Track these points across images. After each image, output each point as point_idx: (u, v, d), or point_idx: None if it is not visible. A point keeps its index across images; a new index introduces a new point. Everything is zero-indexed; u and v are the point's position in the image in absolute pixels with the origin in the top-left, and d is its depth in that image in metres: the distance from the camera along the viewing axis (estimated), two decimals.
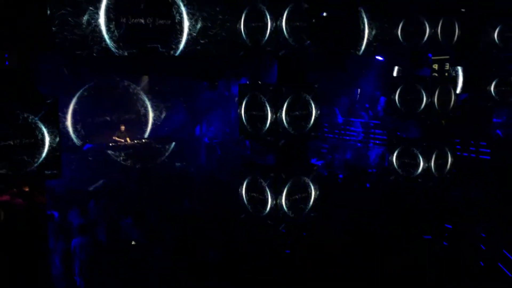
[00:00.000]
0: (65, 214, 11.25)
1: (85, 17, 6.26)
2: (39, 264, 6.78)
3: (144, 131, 15.70)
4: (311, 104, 8.70)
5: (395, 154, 10.65)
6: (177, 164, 15.78)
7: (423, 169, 10.27)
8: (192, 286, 8.46)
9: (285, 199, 8.51)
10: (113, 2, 6.39)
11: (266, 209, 8.57)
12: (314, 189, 8.95)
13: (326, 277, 8.59)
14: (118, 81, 14.87)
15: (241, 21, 7.71)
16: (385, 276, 8.25)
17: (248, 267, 8.82)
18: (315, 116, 8.75)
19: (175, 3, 6.96)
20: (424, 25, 9.92)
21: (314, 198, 8.95)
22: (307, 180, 8.86)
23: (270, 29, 7.89)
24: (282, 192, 8.47)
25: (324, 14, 8.65)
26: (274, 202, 8.46)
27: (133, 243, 9.73)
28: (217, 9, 7.43)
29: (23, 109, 6.06)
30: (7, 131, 5.96)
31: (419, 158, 10.27)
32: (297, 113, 8.50)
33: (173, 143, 15.91)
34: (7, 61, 6.32)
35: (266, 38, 7.89)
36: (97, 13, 6.36)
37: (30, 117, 6.11)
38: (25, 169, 6.16)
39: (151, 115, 15.86)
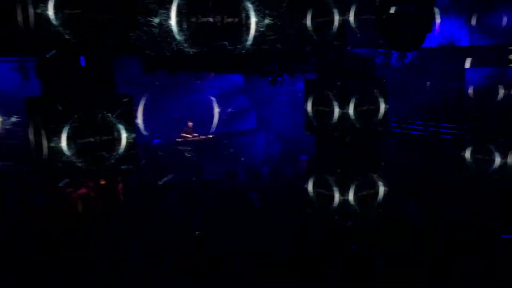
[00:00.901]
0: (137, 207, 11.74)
1: (157, 19, 6.49)
2: (114, 253, 7.15)
3: (210, 127, 16.02)
4: (379, 99, 8.53)
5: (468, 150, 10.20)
6: (242, 159, 16.00)
7: (499, 166, 9.78)
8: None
9: (353, 195, 8.43)
10: (184, 2, 6.56)
11: (334, 206, 8.53)
12: (381, 185, 8.79)
13: (395, 275, 8.40)
14: (187, 78, 15.25)
15: (308, 16, 7.68)
16: (463, 276, 7.94)
17: (315, 262, 8.80)
18: (383, 111, 8.58)
19: (243, 1, 7.04)
20: None
21: (382, 194, 8.80)
22: (374, 175, 8.72)
23: (338, 24, 7.80)
24: (350, 187, 8.40)
25: (393, 9, 8.43)
26: (342, 198, 8.41)
27: (197, 233, 9.94)
28: (284, 4, 7.43)
29: (102, 108, 6.41)
30: (87, 129, 6.34)
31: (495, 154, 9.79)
32: (364, 108, 8.37)
33: (238, 138, 16.16)
34: (83, 62, 6.71)
35: (333, 32, 7.81)
36: (168, 14, 6.57)
37: (108, 116, 6.45)
38: (103, 164, 6.52)
39: (216, 111, 16.17)
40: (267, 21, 7.27)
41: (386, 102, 8.52)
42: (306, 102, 8.81)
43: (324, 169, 8.70)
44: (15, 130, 12.40)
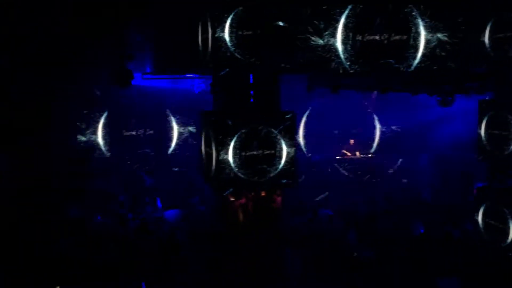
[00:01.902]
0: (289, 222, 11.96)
1: (322, 38, 6.59)
2: (273, 265, 7.35)
3: (371, 146, 15.68)
4: None
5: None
6: (404, 180, 15.27)
7: None
8: None
9: None
10: (351, 21, 6.56)
11: (507, 240, 7.62)
12: None
13: None
14: (348, 95, 15.20)
15: (485, 32, 7.06)
16: None
17: None
18: None
19: (413, 17, 6.77)
20: None
21: None
22: None
23: None
24: None
25: None
26: None
27: (355, 254, 9.74)
28: (459, 20, 6.95)
29: (266, 124, 6.72)
30: (252, 143, 6.70)
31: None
32: None
33: (400, 159, 15.49)
34: (251, 80, 7.11)
35: None
36: (334, 33, 6.62)
37: (271, 131, 6.73)
38: (265, 177, 6.81)
39: (378, 129, 15.77)
40: (438, 37, 6.88)
41: None
42: (480, 124, 8.07)
43: (498, 200, 7.84)
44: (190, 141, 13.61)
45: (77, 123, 12.40)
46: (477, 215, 8.18)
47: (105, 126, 12.80)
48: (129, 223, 10.70)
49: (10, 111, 8.68)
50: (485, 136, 8.00)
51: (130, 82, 8.94)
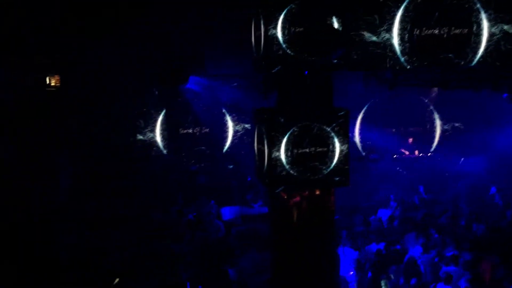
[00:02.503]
0: (348, 221, 11.78)
1: (378, 34, 6.42)
2: (327, 266, 7.26)
3: (431, 145, 15.16)
4: None
5: None
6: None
7: None
8: None
9: None
10: (409, 14, 6.35)
11: None
12: None
13: None
14: (406, 92, 14.78)
15: None
16: None
17: None
18: None
19: (475, 10, 6.45)
20: None
21: None
22: None
23: None
24: None
25: None
26: None
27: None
28: None
29: (318, 120, 6.65)
30: (304, 140, 6.65)
31: None
32: None
33: (462, 159, 14.87)
34: (304, 77, 7.04)
35: None
36: (390, 28, 6.44)
37: (324, 128, 6.65)
38: (317, 175, 6.74)
39: (438, 128, 15.23)
40: (504, 29, 6.52)
41: None
42: None
43: None
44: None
45: (136, 122, 12.83)
46: None
47: (162, 124, 13.16)
48: (184, 219, 10.96)
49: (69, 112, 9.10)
50: None
51: (186, 82, 9.16)
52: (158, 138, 13.12)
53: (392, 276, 8.58)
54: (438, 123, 15.28)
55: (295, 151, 6.60)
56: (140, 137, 12.83)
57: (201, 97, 13.17)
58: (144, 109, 12.82)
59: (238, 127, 13.83)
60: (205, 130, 13.50)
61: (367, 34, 6.38)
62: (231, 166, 13.65)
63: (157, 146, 13.21)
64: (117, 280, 8.03)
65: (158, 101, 12.95)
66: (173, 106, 13.15)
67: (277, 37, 6.27)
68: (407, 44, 6.46)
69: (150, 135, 13.11)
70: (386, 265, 9.00)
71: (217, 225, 10.84)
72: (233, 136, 13.84)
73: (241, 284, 8.48)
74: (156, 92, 12.82)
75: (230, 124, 13.81)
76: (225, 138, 13.85)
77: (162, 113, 13.12)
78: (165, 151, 13.27)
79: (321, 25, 6.25)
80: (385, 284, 8.34)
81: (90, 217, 9.66)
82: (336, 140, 6.68)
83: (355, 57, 6.40)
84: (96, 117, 9.88)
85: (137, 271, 7.88)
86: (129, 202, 10.40)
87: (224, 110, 13.74)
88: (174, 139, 13.33)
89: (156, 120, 13.10)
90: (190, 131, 13.42)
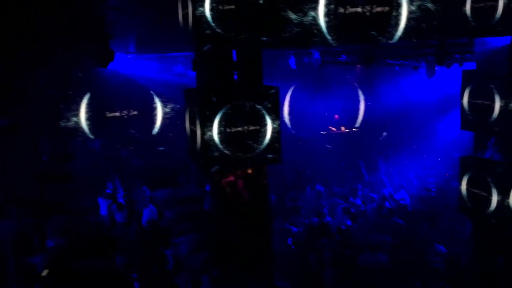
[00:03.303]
0: (281, 198, 12.07)
1: (305, 11, 6.52)
2: (261, 241, 7.40)
3: (355, 121, 15.77)
4: None
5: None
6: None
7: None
8: None
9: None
10: None
11: (490, 208, 7.77)
12: None
13: None
14: (332, 71, 15.22)
15: (466, 1, 7.05)
16: None
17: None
18: None
19: None
20: None
21: None
22: None
23: (503, 8, 7.02)
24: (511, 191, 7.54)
25: None
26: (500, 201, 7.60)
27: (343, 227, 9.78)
28: None
29: (250, 99, 6.68)
30: (237, 119, 6.66)
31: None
32: None
33: (385, 133, 15.64)
34: (234, 57, 7.02)
35: (497, 18, 7.05)
36: (316, 6, 6.56)
37: (256, 106, 6.69)
38: (250, 153, 6.80)
39: (362, 104, 15.83)
40: (421, 7, 6.85)
41: None
42: (462, 95, 8.13)
43: (481, 169, 7.95)
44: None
45: (60, 106, 12.22)
46: (461, 185, 8.30)
47: (87, 108, 12.64)
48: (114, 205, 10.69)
49: None
50: (468, 106, 8.07)
51: (110, 62, 8.79)
52: (83, 123, 12.60)
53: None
54: (361, 99, 15.87)
55: (228, 130, 6.61)
56: (64, 121, 12.26)
57: (128, 78, 12.77)
58: (70, 92, 12.24)
59: (168, 108, 13.58)
60: (133, 113, 13.13)
61: (294, 13, 6.46)
62: (161, 148, 13.42)
63: (83, 131, 12.69)
64: (46, 271, 7.74)
65: (82, 84, 12.40)
66: (98, 89, 12.65)
67: (205, 16, 6.18)
68: (333, 23, 6.63)
69: (74, 119, 12.56)
70: (318, 238, 9.35)
71: (151, 209, 10.70)
72: (163, 117, 13.58)
73: (178, 266, 8.46)
74: (80, 74, 12.26)
75: (159, 105, 13.52)
76: (154, 120, 13.56)
77: (87, 96, 12.59)
78: (92, 136, 12.78)
79: (250, 3, 6.23)
80: None
81: (19, 204, 9.16)
82: (268, 118, 6.76)
83: (283, 35, 6.48)
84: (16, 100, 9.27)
85: (70, 257, 7.60)
86: (59, 188, 9.96)
87: (152, 92, 13.42)
88: (100, 123, 12.86)
89: (80, 104, 12.55)
90: (118, 114, 13.00)
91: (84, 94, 12.55)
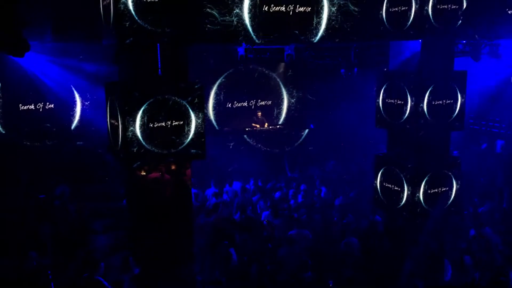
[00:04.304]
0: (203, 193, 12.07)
1: (232, 9, 6.56)
2: (183, 236, 7.35)
3: (278, 118, 16.05)
4: (456, 93, 8.14)
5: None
6: (310, 148, 15.96)
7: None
8: None
9: (423, 193, 8.11)
10: None
11: (401, 202, 8.27)
12: (456, 183, 8.39)
13: None
14: (256, 68, 15.38)
15: (383, 6, 7.45)
16: None
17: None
18: (460, 105, 8.17)
19: None
20: None
21: (455, 192, 8.41)
22: (448, 173, 8.34)
23: (415, 13, 7.49)
24: (420, 185, 8.09)
25: None
26: (411, 194, 8.12)
27: (265, 222, 10.05)
28: None
29: (174, 94, 6.61)
30: (160, 114, 6.55)
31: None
32: (440, 102, 8.01)
33: (306, 130, 16.05)
34: (161, 50, 6.90)
35: (410, 22, 7.51)
36: (241, 4, 6.62)
37: (180, 101, 6.63)
38: (174, 149, 6.73)
39: (285, 102, 16.15)
40: (340, 9, 7.13)
41: (463, 96, 8.11)
42: (378, 94, 8.58)
43: (394, 165, 8.45)
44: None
45: None
46: (376, 180, 8.76)
47: None
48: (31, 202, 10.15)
49: None
50: (382, 105, 8.52)
51: (25, 52, 8.29)
52: None
53: None
54: (285, 96, 16.17)
55: (151, 125, 6.49)
56: None
57: (44, 69, 12.10)
58: None
59: (87, 102, 13.04)
60: (49, 106, 12.46)
61: (219, 10, 6.47)
62: (80, 143, 12.84)
63: None
64: None
65: None
66: (11, 80, 11.88)
67: (128, 8, 6.02)
68: (256, 20, 6.72)
69: None
70: (240, 233, 9.46)
71: (69, 208, 10.25)
72: (82, 111, 13.02)
73: (95, 264, 8.18)
74: None
75: (78, 98, 12.95)
76: (73, 113, 12.97)
77: None
78: (2, 130, 11.99)
79: None
80: None
81: None
82: (192, 114, 6.72)
83: (207, 30, 6.48)
84: None
85: None
86: None
87: (71, 85, 12.82)
88: (12, 116, 12.09)
89: None
90: (32, 107, 12.27)
91: None
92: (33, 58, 11.54)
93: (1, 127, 11.96)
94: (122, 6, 5.98)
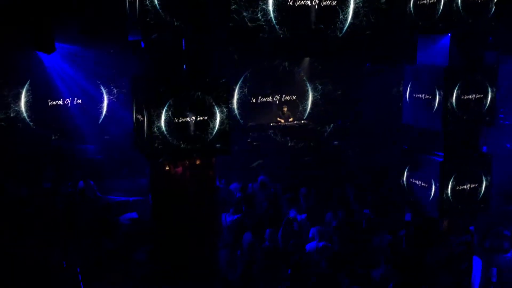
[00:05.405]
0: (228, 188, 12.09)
1: (257, 4, 6.51)
2: (209, 233, 7.38)
3: (303, 113, 15.99)
4: (485, 87, 7.93)
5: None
6: (335, 142, 15.82)
7: None
8: None
9: (451, 190, 7.94)
10: None
11: (429, 198, 8.13)
12: (485, 180, 8.19)
13: None
14: (280, 63, 15.33)
15: None
16: None
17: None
18: (490, 100, 7.96)
19: None
20: None
21: (485, 189, 8.20)
22: (477, 170, 8.14)
23: (444, 6, 7.31)
24: (448, 182, 7.92)
25: None
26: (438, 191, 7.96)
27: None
28: None
29: (199, 89, 6.62)
30: (184, 109, 6.58)
31: None
32: (469, 96, 7.82)
33: (332, 124, 15.93)
34: (183, 46, 6.92)
35: (438, 15, 7.34)
36: None
37: (205, 96, 6.64)
38: (198, 144, 6.74)
39: (310, 97, 16.06)
40: (367, 3, 7.01)
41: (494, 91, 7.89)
42: (406, 89, 8.43)
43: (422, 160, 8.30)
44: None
45: None
46: (402, 177, 8.63)
47: (28, 96, 12.12)
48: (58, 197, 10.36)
49: None
50: (409, 100, 8.37)
51: (54, 47, 8.46)
52: (24, 111, 12.07)
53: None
54: (310, 91, 16.10)
55: (176, 120, 6.52)
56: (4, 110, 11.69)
57: (72, 65, 12.31)
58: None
59: (114, 97, 13.22)
60: (77, 101, 12.68)
61: (244, 5, 6.44)
62: (106, 137, 13.05)
63: (22, 120, 12.15)
64: None
65: (22, 70, 11.84)
66: (39, 76, 12.12)
67: (153, 3, 6.05)
68: (282, 15, 6.66)
69: (14, 107, 12.00)
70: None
71: (103, 200, 10.44)
72: (109, 106, 13.20)
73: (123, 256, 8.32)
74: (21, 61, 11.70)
75: (105, 93, 13.13)
76: (100, 108, 13.17)
77: (27, 84, 12.05)
78: (32, 125, 12.27)
79: None
80: None
81: None
82: (216, 109, 6.72)
83: (231, 25, 6.44)
84: None
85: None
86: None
87: (98, 81, 13.01)
88: (42, 111, 12.34)
89: (20, 92, 12.00)
90: (61, 102, 12.51)
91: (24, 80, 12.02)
92: (61, 53, 11.75)
93: (31, 122, 12.24)
94: (147, 1, 6.00)
